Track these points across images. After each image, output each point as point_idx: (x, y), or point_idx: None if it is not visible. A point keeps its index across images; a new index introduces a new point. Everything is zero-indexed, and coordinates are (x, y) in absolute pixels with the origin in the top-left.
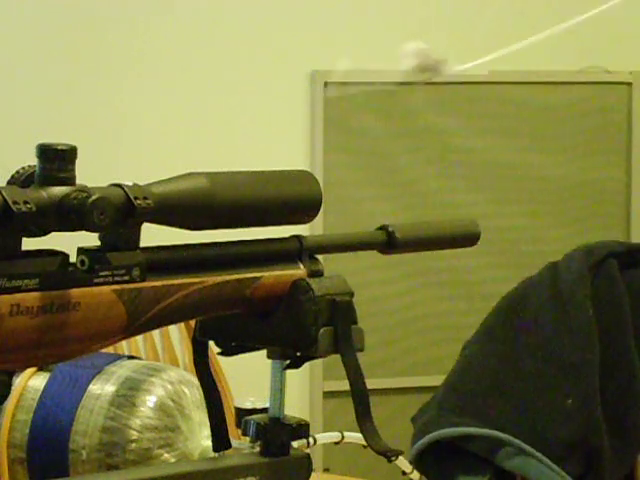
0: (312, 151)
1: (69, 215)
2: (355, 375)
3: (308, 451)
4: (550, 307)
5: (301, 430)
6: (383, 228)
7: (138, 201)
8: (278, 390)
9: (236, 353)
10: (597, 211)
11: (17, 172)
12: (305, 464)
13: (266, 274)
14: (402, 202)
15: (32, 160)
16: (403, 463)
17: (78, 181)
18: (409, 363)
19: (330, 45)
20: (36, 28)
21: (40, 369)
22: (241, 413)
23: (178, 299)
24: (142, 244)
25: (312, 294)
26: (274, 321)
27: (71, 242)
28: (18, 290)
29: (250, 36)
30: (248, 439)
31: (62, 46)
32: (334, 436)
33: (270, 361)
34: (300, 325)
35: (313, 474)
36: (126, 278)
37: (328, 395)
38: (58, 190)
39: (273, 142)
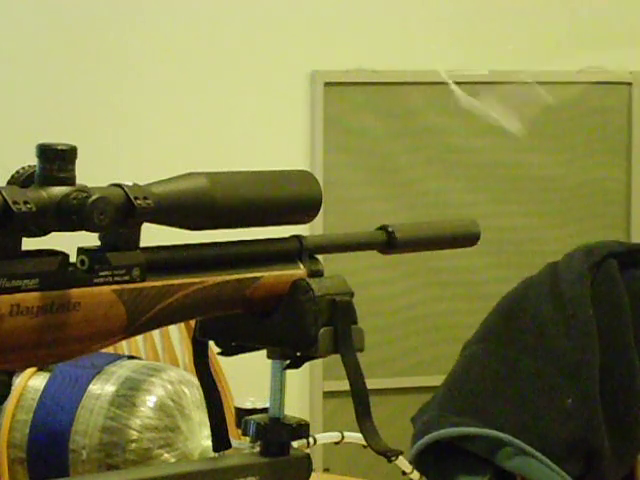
0: (312, 151)
1: (69, 215)
2: (355, 375)
3: (308, 451)
4: (550, 307)
5: (301, 430)
6: (383, 228)
7: (138, 201)
8: (278, 390)
9: (236, 353)
10: (597, 211)
11: (17, 172)
12: (305, 464)
13: (266, 274)
14: (402, 202)
15: (32, 160)
16: (403, 463)
17: (78, 181)
18: (409, 363)
19: (330, 45)
20: (36, 28)
21: (40, 369)
22: (241, 413)
23: (178, 299)
24: (142, 244)
25: (312, 294)
26: (274, 321)
27: (71, 242)
28: (18, 290)
29: (250, 36)
30: (248, 439)
31: (62, 46)
32: (334, 436)
33: (270, 361)
34: (300, 325)
35: (313, 474)
36: (126, 278)
37: (328, 395)
38: (58, 190)
39: (273, 142)
